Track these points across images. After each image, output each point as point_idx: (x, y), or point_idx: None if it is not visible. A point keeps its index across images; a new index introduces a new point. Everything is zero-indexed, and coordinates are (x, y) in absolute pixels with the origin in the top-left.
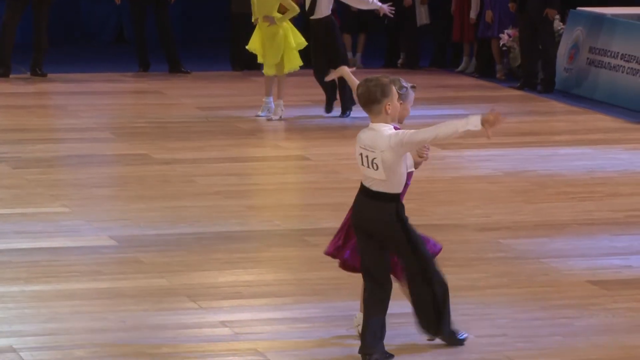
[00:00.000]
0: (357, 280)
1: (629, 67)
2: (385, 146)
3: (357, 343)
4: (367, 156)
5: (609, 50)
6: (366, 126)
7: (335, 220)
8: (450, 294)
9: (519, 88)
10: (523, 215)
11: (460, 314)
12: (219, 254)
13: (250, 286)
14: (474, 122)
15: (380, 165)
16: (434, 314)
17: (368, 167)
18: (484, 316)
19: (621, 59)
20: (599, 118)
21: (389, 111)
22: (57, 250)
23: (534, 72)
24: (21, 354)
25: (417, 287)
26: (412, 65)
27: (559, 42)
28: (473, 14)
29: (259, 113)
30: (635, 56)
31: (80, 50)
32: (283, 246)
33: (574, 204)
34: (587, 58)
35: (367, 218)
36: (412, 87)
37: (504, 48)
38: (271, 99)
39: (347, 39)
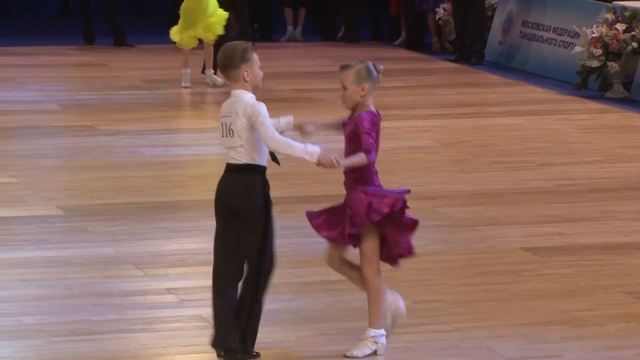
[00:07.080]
0: (296, 247)
1: (560, 40)
2: (242, 111)
3: (306, 312)
4: (224, 123)
5: (541, 24)
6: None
7: (275, 189)
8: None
9: (454, 61)
10: (459, 184)
11: (399, 280)
12: (164, 223)
13: (195, 254)
14: (310, 154)
15: (234, 130)
16: (234, 325)
17: (225, 135)
18: (421, 282)
19: (553, 32)
20: (531, 90)
21: (247, 78)
22: (5, 220)
23: (468, 45)
24: None
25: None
26: (351, 38)
27: (492, 16)
28: None
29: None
30: (566, 29)
31: (25, 24)
32: None
33: (508, 173)
34: (520, 31)
35: (232, 194)
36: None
37: (440, 22)
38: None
39: (287, 12)
